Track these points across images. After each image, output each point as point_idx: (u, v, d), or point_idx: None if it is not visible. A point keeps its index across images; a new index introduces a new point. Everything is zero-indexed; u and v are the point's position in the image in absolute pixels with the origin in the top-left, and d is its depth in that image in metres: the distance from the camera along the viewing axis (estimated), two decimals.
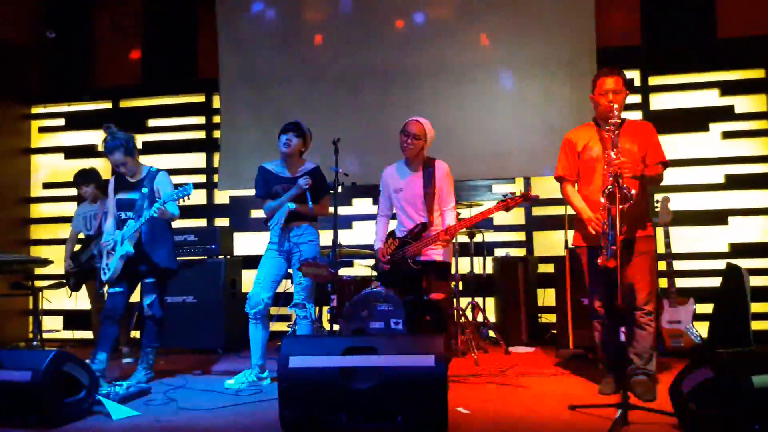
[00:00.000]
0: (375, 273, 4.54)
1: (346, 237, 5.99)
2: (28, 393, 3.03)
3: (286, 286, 5.85)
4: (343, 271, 5.47)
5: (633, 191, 3.13)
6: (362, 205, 6.18)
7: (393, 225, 4.34)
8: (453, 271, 4.93)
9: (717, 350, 2.62)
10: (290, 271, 4.19)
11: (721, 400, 2.57)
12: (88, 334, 6.04)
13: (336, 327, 4.66)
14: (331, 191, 4.00)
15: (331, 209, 4.15)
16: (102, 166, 6.03)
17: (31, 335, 5.78)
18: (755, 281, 5.12)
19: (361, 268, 6.04)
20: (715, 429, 2.59)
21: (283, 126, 4.08)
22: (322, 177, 4.11)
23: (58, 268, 5.49)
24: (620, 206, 3.02)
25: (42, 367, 3.03)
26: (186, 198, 3.82)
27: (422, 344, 2.86)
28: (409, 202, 4.06)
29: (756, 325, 5.07)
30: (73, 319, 6.43)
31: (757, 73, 5.56)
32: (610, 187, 3.10)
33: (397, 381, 2.78)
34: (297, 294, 4.02)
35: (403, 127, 4.07)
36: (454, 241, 4.87)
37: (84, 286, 5.28)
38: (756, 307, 5.13)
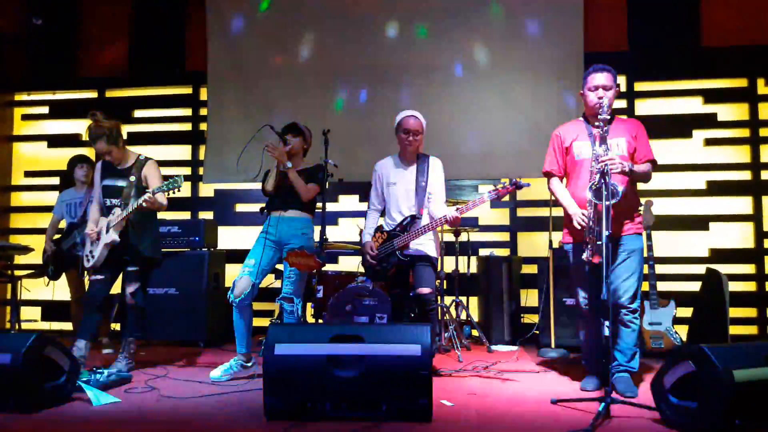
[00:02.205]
0: (361, 268, 4.53)
1: (331, 233, 5.97)
2: (7, 376, 2.98)
3: (270, 281, 5.84)
4: (328, 267, 5.46)
5: (621, 188, 3.17)
6: (349, 201, 6.18)
7: (381, 221, 4.35)
8: (439, 269, 4.96)
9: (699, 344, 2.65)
10: (279, 267, 4.13)
11: (703, 393, 2.61)
12: (66, 326, 5.95)
13: (320, 321, 4.66)
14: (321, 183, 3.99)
15: (319, 204, 4.14)
16: (86, 155, 5.95)
17: (8, 325, 5.68)
18: (734, 286, 5.21)
19: (346, 264, 6.04)
20: (696, 423, 2.62)
21: (281, 130, 4.03)
22: (320, 168, 4.01)
23: (38, 257, 5.41)
24: (607, 202, 3.05)
25: (22, 349, 2.98)
26: (176, 190, 3.77)
27: (408, 333, 2.87)
28: (401, 196, 4.07)
29: (733, 330, 5.14)
30: (51, 310, 6.33)
31: (740, 83, 5.67)
32: (597, 182, 3.14)
33: (382, 369, 2.79)
34: (286, 287, 3.91)
35: (401, 126, 4.07)
36: (439, 238, 4.90)
37: (64, 274, 5.20)
38: (734, 312, 5.21)
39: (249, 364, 3.93)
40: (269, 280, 5.80)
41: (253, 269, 3.88)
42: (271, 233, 3.95)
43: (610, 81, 3.44)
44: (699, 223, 5.63)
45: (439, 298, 5.00)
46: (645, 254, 4.60)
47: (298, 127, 4.04)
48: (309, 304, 5.16)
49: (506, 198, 3.88)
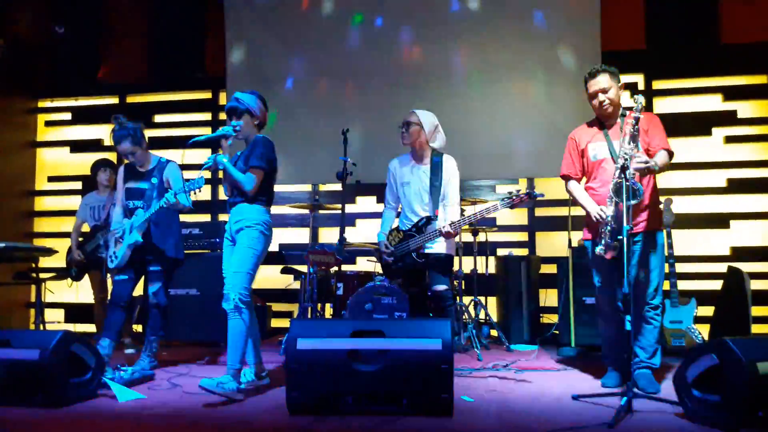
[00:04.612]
0: (379, 268, 4.56)
1: (349, 235, 6.00)
2: (35, 372, 3.04)
3: (288, 281, 5.90)
4: (347, 267, 5.48)
5: (641, 186, 3.12)
6: (366, 203, 6.21)
7: (398, 221, 4.37)
8: (456, 268, 4.97)
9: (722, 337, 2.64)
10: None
11: (726, 386, 2.59)
12: (89, 328, 6.04)
13: None
14: (340, 180, 4.02)
15: (338, 205, 4.17)
16: (109, 159, 6.05)
17: (33, 326, 5.77)
18: (756, 285, 5.15)
19: (364, 264, 6.07)
20: (720, 416, 2.61)
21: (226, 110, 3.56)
22: (262, 143, 3.49)
23: (62, 259, 5.50)
24: (629, 202, 3.01)
25: (50, 346, 3.04)
26: (198, 190, 3.63)
27: (429, 328, 2.88)
28: (415, 196, 4.10)
29: (756, 329, 5.10)
30: (74, 312, 6.44)
31: (759, 79, 5.63)
32: (617, 180, 3.12)
33: (403, 364, 2.80)
34: (225, 284, 3.40)
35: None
36: (457, 239, 4.92)
37: (87, 276, 5.28)
38: (756, 311, 5.16)
39: (264, 374, 3.59)
40: (287, 281, 5.87)
41: (226, 276, 3.47)
42: (229, 229, 3.53)
43: (606, 82, 3.43)
44: (720, 221, 5.58)
45: (457, 297, 5.01)
46: (665, 252, 4.60)
47: (238, 108, 3.50)
48: (328, 304, 5.21)
49: (519, 192, 3.87)
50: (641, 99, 3.16)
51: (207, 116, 6.61)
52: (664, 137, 3.46)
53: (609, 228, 3.25)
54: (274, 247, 6.20)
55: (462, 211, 4.48)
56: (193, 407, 3.12)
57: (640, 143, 3.40)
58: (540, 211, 5.90)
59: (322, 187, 6.28)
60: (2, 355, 3.11)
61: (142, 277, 4.24)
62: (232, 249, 3.47)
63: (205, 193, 6.45)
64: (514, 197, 3.80)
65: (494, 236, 5.81)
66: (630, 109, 3.22)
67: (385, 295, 4.26)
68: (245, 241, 3.38)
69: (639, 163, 3.13)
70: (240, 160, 3.50)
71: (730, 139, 5.63)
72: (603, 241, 3.27)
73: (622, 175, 3.08)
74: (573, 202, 3.81)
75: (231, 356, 3.29)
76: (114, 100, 6.77)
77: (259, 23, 6.34)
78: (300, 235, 6.32)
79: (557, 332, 5.03)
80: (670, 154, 3.44)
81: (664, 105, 5.77)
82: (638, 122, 3.15)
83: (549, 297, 5.56)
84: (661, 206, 4.73)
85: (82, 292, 5.65)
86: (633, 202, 3.04)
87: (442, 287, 3.90)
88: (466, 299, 5.27)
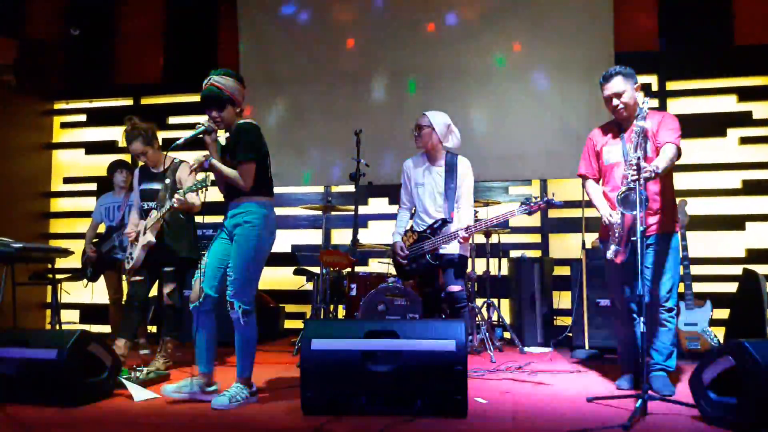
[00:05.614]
0: (392, 269, 4.57)
1: (361, 236, 6.01)
2: (52, 371, 3.07)
3: (301, 283, 5.90)
4: (359, 268, 5.49)
5: (646, 194, 3.09)
6: (378, 204, 6.21)
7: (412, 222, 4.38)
8: (469, 269, 4.96)
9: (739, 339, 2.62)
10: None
11: (744, 388, 2.57)
12: (104, 328, 6.09)
13: None
14: (353, 182, 4.03)
15: (351, 206, 4.19)
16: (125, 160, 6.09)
17: (48, 327, 5.82)
18: None
19: (377, 266, 6.07)
20: (737, 418, 2.58)
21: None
22: (246, 131, 3.21)
23: (77, 260, 5.54)
24: (636, 213, 2.98)
25: (67, 345, 3.07)
26: (205, 189, 3.51)
27: (442, 329, 2.88)
28: (429, 197, 4.11)
29: None
30: (89, 313, 6.49)
31: None
32: (623, 190, 3.10)
33: (417, 365, 2.80)
34: (228, 290, 3.19)
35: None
36: (470, 240, 4.91)
37: (102, 276, 5.32)
38: None
39: (210, 389, 3.28)
40: (300, 282, 5.89)
41: (206, 272, 3.24)
42: (225, 225, 3.30)
43: (619, 86, 3.37)
44: (735, 222, 5.54)
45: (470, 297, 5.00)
46: (680, 254, 4.56)
47: (219, 97, 3.16)
48: (341, 305, 5.22)
49: (537, 199, 3.87)
50: (646, 106, 3.15)
51: None
52: (672, 132, 3.32)
53: (618, 234, 3.25)
54: (286, 248, 6.27)
55: (475, 212, 4.49)
56: (208, 408, 3.13)
57: (650, 146, 3.37)
58: (553, 213, 5.87)
59: (335, 189, 6.30)
60: (20, 355, 3.14)
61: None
62: (225, 245, 3.24)
63: (219, 195, 6.47)
64: (532, 204, 3.79)
65: (507, 238, 5.80)
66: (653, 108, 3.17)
67: (398, 297, 4.27)
68: (243, 242, 3.15)
69: (644, 172, 3.08)
70: (227, 154, 3.25)
71: (745, 141, 5.59)
72: (613, 246, 3.27)
73: (630, 185, 3.06)
74: (588, 203, 3.80)
75: (239, 366, 3.24)
76: (128, 102, 6.83)
77: (272, 26, 6.37)
78: (313, 237, 6.33)
79: (571, 334, 5.00)
80: (678, 149, 3.30)
81: (678, 106, 5.74)
82: (643, 130, 3.13)
83: (562, 299, 5.54)
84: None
85: (96, 292, 5.70)
86: (640, 212, 2.99)
87: (456, 288, 3.91)
88: (479, 301, 5.26)
